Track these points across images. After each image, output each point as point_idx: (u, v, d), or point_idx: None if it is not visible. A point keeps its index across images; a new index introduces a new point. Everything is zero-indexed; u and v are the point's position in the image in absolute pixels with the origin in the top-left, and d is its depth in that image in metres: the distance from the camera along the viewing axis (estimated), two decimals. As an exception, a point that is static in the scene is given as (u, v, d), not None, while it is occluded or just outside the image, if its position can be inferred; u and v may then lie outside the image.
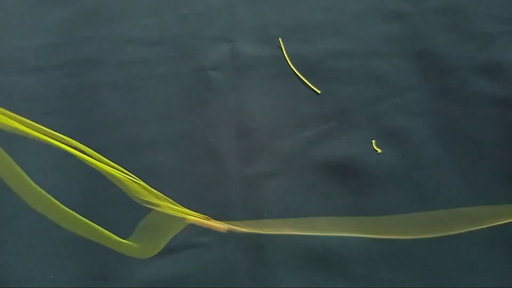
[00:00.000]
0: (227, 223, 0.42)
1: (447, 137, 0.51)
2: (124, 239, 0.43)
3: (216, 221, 0.42)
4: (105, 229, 0.46)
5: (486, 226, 0.43)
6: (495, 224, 0.43)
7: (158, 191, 0.48)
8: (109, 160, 0.51)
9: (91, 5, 0.64)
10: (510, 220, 0.43)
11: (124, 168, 0.50)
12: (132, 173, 0.50)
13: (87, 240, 0.46)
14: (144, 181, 0.49)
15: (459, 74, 0.56)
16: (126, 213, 0.47)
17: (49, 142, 0.28)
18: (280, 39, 0.59)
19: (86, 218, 0.47)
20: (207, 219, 0.42)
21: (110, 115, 0.54)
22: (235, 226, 0.43)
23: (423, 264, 0.44)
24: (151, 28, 0.62)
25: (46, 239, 0.46)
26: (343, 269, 0.44)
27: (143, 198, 0.43)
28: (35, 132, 0.30)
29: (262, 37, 0.60)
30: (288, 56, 0.58)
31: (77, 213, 0.47)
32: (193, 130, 0.53)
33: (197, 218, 0.41)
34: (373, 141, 0.51)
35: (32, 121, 0.54)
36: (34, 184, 0.43)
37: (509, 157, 0.50)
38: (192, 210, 0.47)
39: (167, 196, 0.48)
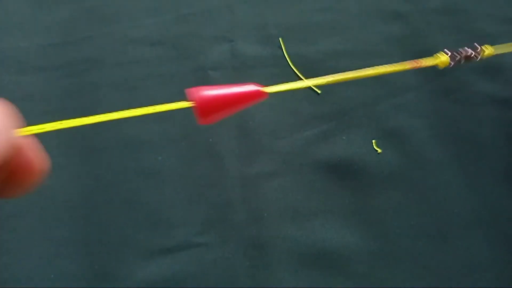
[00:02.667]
0: None
1: (447, 137, 0.51)
2: None
3: None
4: (104, 230, 0.46)
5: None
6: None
7: (158, 191, 0.48)
8: (109, 160, 0.51)
9: (91, 5, 0.64)
10: None
11: (124, 168, 0.50)
12: (132, 173, 0.50)
13: (87, 240, 0.46)
14: (144, 181, 0.49)
15: (459, 74, 0.56)
16: (126, 214, 0.47)
17: None
18: (280, 39, 0.59)
19: (86, 218, 0.47)
20: None
21: (110, 115, 0.54)
22: None
23: (423, 264, 0.44)
24: (151, 28, 0.62)
25: (46, 239, 0.46)
26: (343, 269, 0.44)
27: None
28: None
29: (262, 37, 0.60)
30: (288, 56, 0.58)
31: (77, 213, 0.47)
32: (193, 130, 0.53)
33: None
34: (373, 141, 0.51)
35: (32, 121, 0.54)
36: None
37: (509, 157, 0.50)
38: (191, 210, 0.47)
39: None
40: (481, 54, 0.28)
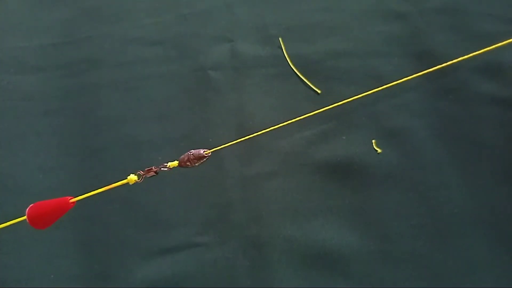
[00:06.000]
0: None
1: (447, 137, 0.51)
2: None
3: None
4: (104, 230, 0.46)
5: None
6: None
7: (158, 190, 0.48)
8: (110, 160, 0.51)
9: (91, 5, 0.64)
10: None
11: (124, 168, 0.50)
12: (131, 173, 0.49)
13: (87, 240, 0.46)
14: (143, 181, 0.49)
15: (459, 74, 0.56)
16: (126, 214, 0.47)
17: None
18: (280, 39, 0.59)
19: (86, 218, 0.47)
20: None
21: (110, 115, 0.54)
22: None
23: (423, 264, 0.44)
24: (151, 28, 0.62)
25: (46, 239, 0.46)
26: (343, 269, 0.44)
27: None
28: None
29: (262, 37, 0.60)
30: (288, 56, 0.58)
31: (77, 213, 0.47)
32: (193, 130, 0.53)
33: None
34: (373, 141, 0.51)
35: (32, 121, 0.54)
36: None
37: (509, 157, 0.50)
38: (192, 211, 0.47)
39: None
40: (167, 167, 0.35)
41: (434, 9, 0.62)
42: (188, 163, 0.36)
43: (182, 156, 0.36)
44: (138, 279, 0.44)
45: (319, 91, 0.55)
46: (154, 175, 0.35)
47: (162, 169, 0.35)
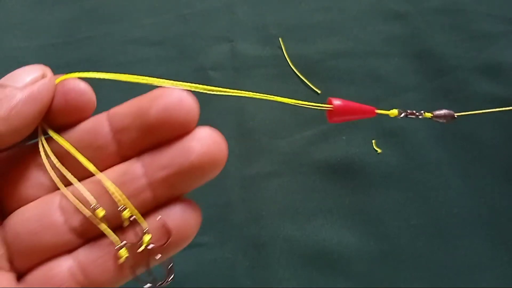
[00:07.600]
0: None
1: (447, 137, 0.51)
2: None
3: None
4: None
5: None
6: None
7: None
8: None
9: (91, 5, 0.64)
10: None
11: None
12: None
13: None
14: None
15: (459, 74, 0.56)
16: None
17: None
18: (280, 39, 0.59)
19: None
20: None
21: (110, 115, 0.54)
22: None
23: (423, 264, 0.44)
24: (151, 28, 0.62)
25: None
26: (343, 269, 0.44)
27: None
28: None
29: (262, 37, 0.60)
30: (288, 56, 0.58)
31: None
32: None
33: None
34: (373, 141, 0.51)
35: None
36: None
37: (509, 157, 0.50)
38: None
39: None
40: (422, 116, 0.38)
41: (434, 9, 0.62)
42: (440, 119, 0.38)
43: (437, 111, 0.38)
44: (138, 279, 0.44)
45: (319, 91, 0.55)
46: (412, 117, 0.38)
47: (419, 116, 0.38)
